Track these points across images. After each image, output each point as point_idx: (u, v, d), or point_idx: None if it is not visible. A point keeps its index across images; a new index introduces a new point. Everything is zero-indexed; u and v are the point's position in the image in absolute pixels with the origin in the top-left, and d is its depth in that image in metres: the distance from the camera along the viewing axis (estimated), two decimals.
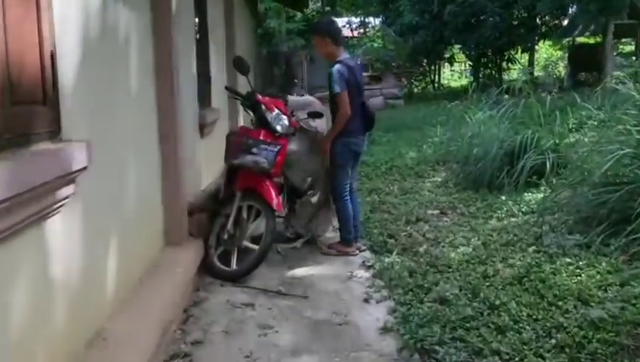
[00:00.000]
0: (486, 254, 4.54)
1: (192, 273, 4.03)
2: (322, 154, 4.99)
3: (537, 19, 19.54)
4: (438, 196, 6.73)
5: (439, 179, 7.62)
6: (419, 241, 5.17)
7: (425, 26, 20.00)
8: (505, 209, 5.81)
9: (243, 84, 8.74)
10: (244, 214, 4.52)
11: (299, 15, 24.91)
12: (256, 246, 4.40)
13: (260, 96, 4.65)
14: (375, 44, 27.05)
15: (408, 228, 5.67)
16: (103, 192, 2.90)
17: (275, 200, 4.41)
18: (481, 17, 18.42)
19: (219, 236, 4.51)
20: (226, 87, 4.86)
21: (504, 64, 21.26)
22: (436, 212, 6.16)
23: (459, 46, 22.43)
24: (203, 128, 5.79)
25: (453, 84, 27.46)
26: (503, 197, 6.14)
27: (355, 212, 5.22)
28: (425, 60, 23.56)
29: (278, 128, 4.65)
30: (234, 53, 8.43)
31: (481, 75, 21.99)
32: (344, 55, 5.09)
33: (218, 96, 6.73)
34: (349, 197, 5.13)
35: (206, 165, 5.81)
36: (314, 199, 5.27)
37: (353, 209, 5.18)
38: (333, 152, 5.00)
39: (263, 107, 4.61)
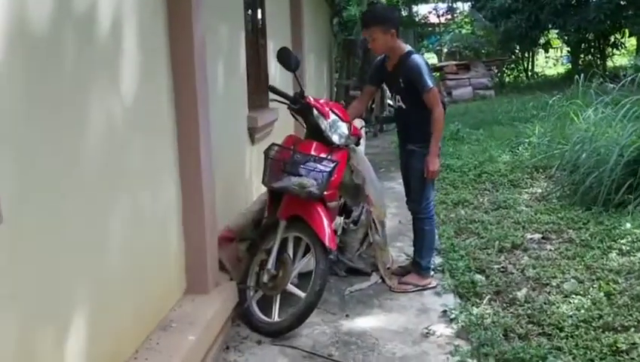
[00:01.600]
0: (612, 313, 3.35)
1: (214, 333, 3.10)
2: (431, 177, 4.00)
3: None
4: (538, 214, 5.51)
5: (539, 191, 6.36)
6: (516, 282, 4.04)
7: (519, 9, 18.26)
8: (630, 238, 4.53)
9: (314, 85, 7.79)
10: (290, 249, 3.56)
11: (383, 2, 23.77)
12: (302, 294, 3.43)
13: (311, 99, 3.66)
14: (463, 31, 25.46)
15: (502, 258, 4.54)
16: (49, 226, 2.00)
17: (328, 234, 3.41)
18: None
19: (258, 276, 3.58)
20: (270, 87, 3.89)
21: (608, 50, 19.17)
22: (537, 236, 4.97)
23: (556, 31, 20.49)
24: (253, 133, 4.90)
25: (549, 72, 25.37)
26: (627, 221, 4.85)
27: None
28: (517, 47, 21.75)
29: (335, 139, 3.66)
30: (301, 48, 7.51)
31: (580, 62, 20.01)
32: (408, 46, 4.04)
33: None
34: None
35: (258, 176, 4.93)
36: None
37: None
38: (421, 159, 3.98)
39: (315, 112, 3.62)
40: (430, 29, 28.90)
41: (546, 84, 20.09)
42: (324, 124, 3.60)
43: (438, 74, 19.16)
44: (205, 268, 3.25)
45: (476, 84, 18.32)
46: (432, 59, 27.36)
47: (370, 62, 12.58)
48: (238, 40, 4.61)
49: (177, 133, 3.11)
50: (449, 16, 29.33)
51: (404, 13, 27.02)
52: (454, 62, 19.22)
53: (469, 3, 25.12)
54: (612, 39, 18.78)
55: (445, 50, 23.81)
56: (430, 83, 3.81)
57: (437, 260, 4.54)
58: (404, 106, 4.04)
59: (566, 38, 19.01)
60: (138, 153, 2.67)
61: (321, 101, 3.74)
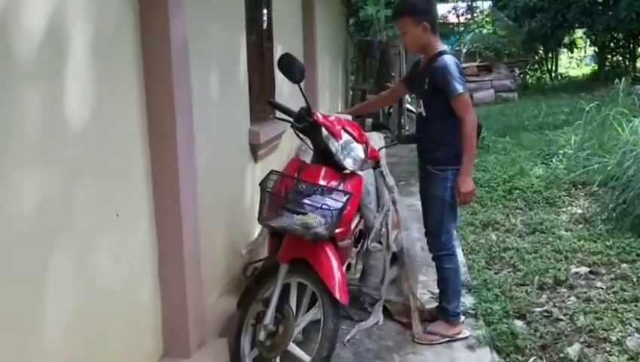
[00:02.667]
0: None
1: None
2: (463, 202, 3.36)
3: None
4: (581, 241, 4.81)
5: (579, 211, 5.65)
6: (566, 333, 3.37)
7: (544, 8, 17.46)
8: None
9: (328, 88, 7.18)
10: (293, 299, 2.91)
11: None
12: (307, 359, 2.78)
13: (319, 115, 3.01)
14: (484, 31, 24.67)
15: (544, 298, 3.88)
16: None
17: (338, 281, 2.76)
18: None
19: (254, 331, 2.94)
20: (270, 102, 3.22)
21: (639, 50, 18.30)
22: (583, 270, 4.27)
23: (582, 30, 19.66)
24: (256, 149, 4.28)
25: (573, 73, 24.49)
26: None
27: None
28: (541, 47, 20.93)
29: (348, 163, 3.01)
30: (313, 50, 6.88)
31: (607, 63, 19.16)
32: (443, 46, 3.42)
33: (288, 104, 5.21)
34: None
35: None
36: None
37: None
38: (442, 188, 3.35)
39: (325, 131, 2.97)
40: (450, 27, 28.11)
41: (570, 86, 19.27)
42: (334, 146, 2.96)
43: None
44: (186, 326, 2.62)
45: (498, 86, 17.56)
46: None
47: (388, 65, 11.99)
48: (238, 42, 3.99)
49: (151, 164, 2.49)
50: (469, 16, 28.58)
51: None
52: (475, 64, 18.48)
53: (490, 2, 24.35)
54: None
55: (464, 50, 23.09)
56: (460, 87, 3.16)
57: (468, 300, 3.89)
58: (424, 113, 3.40)
59: (593, 37, 18.11)
60: (94, 191, 2.05)
61: (332, 118, 3.09)
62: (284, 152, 5.02)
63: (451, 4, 28.85)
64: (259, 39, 4.72)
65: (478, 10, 27.02)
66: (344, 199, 2.72)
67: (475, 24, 25.74)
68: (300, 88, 2.94)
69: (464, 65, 18.94)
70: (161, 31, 2.41)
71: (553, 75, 22.26)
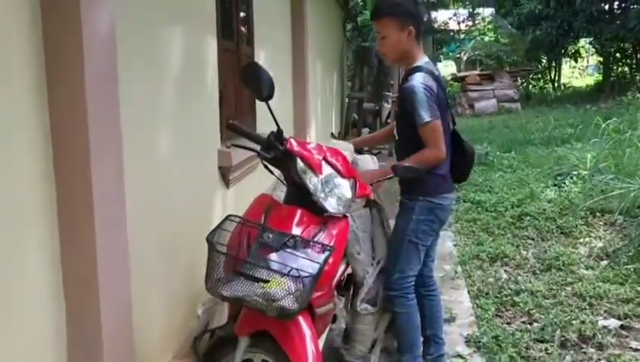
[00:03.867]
0: None
1: None
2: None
3: None
4: (606, 283, 4.14)
5: (599, 244, 4.97)
6: None
7: (550, 15, 16.80)
8: None
9: (321, 97, 6.63)
10: None
11: None
12: None
13: (294, 143, 2.33)
14: (486, 38, 24.05)
15: (567, 360, 3.21)
16: None
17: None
18: (625, 4, 15.09)
19: None
20: (229, 125, 2.51)
21: None
22: (613, 323, 3.60)
23: (588, 39, 19.03)
24: (227, 173, 3.61)
25: (576, 84, 23.86)
26: None
27: (434, 319, 3.08)
28: (545, 56, 20.30)
29: (331, 205, 2.33)
30: (303, 59, 6.22)
31: (612, 73, 18.52)
32: (424, 58, 2.84)
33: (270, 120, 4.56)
34: (415, 299, 2.91)
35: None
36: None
37: (432, 313, 3.07)
38: (406, 220, 2.82)
39: (300, 163, 2.28)
40: (451, 34, 27.50)
41: (575, 97, 18.65)
42: (313, 183, 2.28)
43: (458, 84, 17.87)
44: None
45: (501, 95, 16.94)
46: (451, 67, 26.01)
47: (387, 73, 11.33)
48: (206, 47, 3.32)
49: (56, 213, 1.82)
50: (470, 23, 27.96)
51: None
52: (477, 72, 17.85)
53: (493, 9, 23.72)
54: None
55: (465, 58, 22.47)
56: (425, 115, 2.64)
57: (477, 361, 3.22)
58: (396, 136, 2.95)
59: (599, 47, 17.45)
60: None
61: (310, 146, 2.41)
62: (261, 176, 4.35)
63: (452, 11, 28.33)
64: (235, 44, 4.06)
65: (479, 17, 26.47)
66: (322, 258, 2.04)
67: (477, 31, 25.18)
68: (269, 106, 2.27)
69: (466, 73, 18.34)
70: (67, 19, 1.73)
71: (556, 85, 21.64)
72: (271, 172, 2.48)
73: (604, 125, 6.80)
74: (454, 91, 19.89)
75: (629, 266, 4.38)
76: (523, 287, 4.20)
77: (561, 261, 4.61)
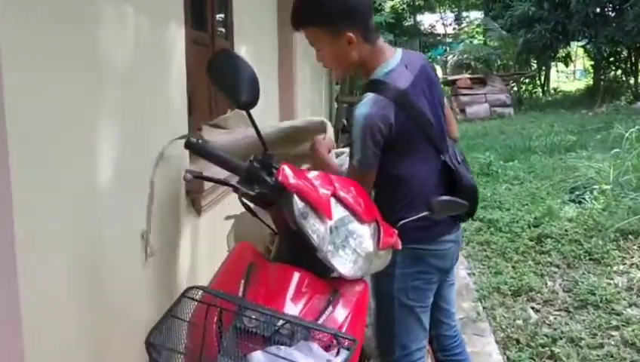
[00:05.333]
0: None
1: None
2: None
3: None
4: None
5: (639, 275, 4.27)
6: None
7: (543, 17, 16.19)
8: None
9: (310, 102, 5.95)
10: None
11: (388, 6, 21.77)
12: None
13: (287, 172, 1.55)
14: (475, 41, 23.53)
15: None
16: None
17: None
18: (622, 6, 14.52)
19: None
20: (187, 143, 1.70)
21: None
22: None
23: (581, 42, 18.49)
24: (197, 198, 2.82)
25: (566, 88, 23.40)
26: None
27: None
28: (535, 60, 19.74)
29: (344, 264, 1.56)
30: (291, 57, 5.47)
31: (603, 78, 17.98)
32: (388, 63, 2.01)
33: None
34: None
35: (209, 263, 2.89)
36: None
37: None
38: (387, 277, 2.02)
39: (299, 204, 1.51)
40: (438, 37, 26.95)
41: (566, 101, 18.09)
42: (318, 232, 1.52)
43: (448, 88, 17.25)
44: None
45: (493, 100, 16.30)
46: (437, 71, 25.31)
47: None
48: (170, 40, 2.54)
49: None
50: (456, 27, 27.44)
51: (408, 22, 25.15)
52: (468, 76, 17.23)
53: (482, 11, 23.17)
54: None
55: (452, 61, 21.88)
56: (356, 156, 1.93)
57: None
58: None
59: (593, 50, 16.87)
60: None
61: (312, 175, 1.64)
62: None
63: (439, 15, 27.82)
64: (210, 36, 3.29)
65: (467, 20, 25.97)
66: (340, 359, 1.27)
67: (466, 34, 24.67)
68: (251, 118, 1.51)
69: (457, 76, 17.71)
70: None
71: (545, 89, 21.12)
72: (254, 214, 1.71)
73: (627, 134, 6.09)
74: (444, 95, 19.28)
75: None
76: (560, 332, 3.49)
77: (598, 296, 3.90)
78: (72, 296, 1.59)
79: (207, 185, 2.80)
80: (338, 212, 1.57)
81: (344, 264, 1.57)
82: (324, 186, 1.60)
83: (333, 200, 1.58)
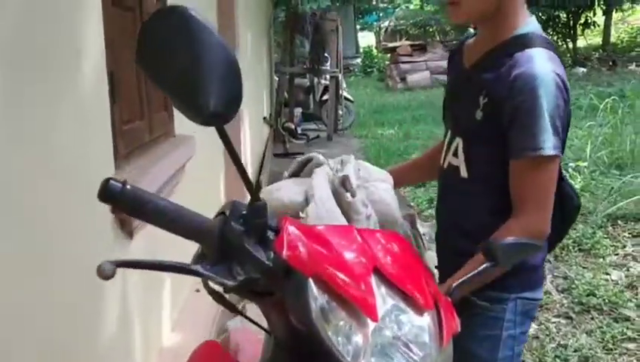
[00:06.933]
0: None
1: None
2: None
3: None
4: None
5: (639, 268, 3.81)
6: None
7: None
8: None
9: (253, 74, 5.23)
10: None
11: None
12: None
13: (293, 231, 0.85)
14: (411, 6, 23.07)
15: None
16: None
17: None
18: None
19: None
20: (105, 190, 0.95)
21: (579, 29, 17.03)
22: None
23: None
24: (128, 219, 2.06)
25: None
26: None
27: None
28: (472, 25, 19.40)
29: None
30: (233, 28, 4.69)
31: None
32: (532, 21, 1.43)
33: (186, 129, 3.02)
34: None
35: (142, 302, 2.18)
36: None
37: None
38: (493, 334, 1.45)
39: (317, 295, 0.83)
40: (373, 4, 26.28)
41: None
42: (349, 343, 0.84)
43: (387, 56, 16.74)
44: None
45: (434, 67, 15.88)
46: (369, 38, 24.74)
47: (324, 43, 9.75)
48: (82, 10, 1.75)
49: None
50: None
51: None
52: (408, 43, 16.73)
53: None
54: (585, 18, 16.63)
55: (388, 28, 21.36)
56: (548, 142, 1.30)
57: None
58: (463, 173, 1.50)
59: (536, 14, 16.62)
60: None
61: (329, 232, 0.93)
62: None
63: None
64: (137, 2, 2.48)
65: None
66: None
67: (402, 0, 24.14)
68: (225, 138, 0.78)
69: (396, 43, 17.20)
70: None
71: None
72: (233, 309, 1.00)
73: (601, 106, 5.64)
74: (382, 63, 18.75)
75: None
76: (568, 345, 2.97)
77: (599, 297, 3.42)
78: None
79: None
80: (386, 302, 0.89)
81: None
82: (356, 252, 0.91)
83: (375, 282, 0.89)
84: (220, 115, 0.77)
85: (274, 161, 7.10)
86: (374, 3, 26.66)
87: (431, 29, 19.53)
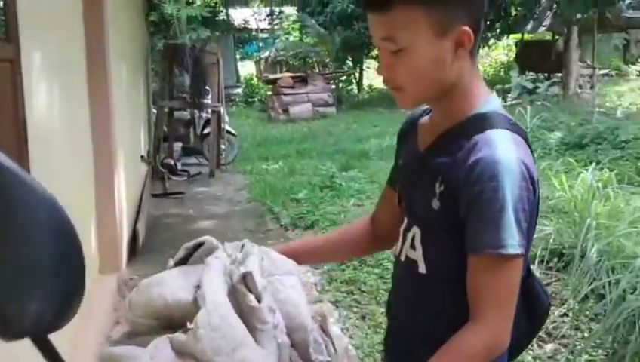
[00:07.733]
0: None
1: None
2: None
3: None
4: None
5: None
6: None
7: (363, 16, 16.14)
8: None
9: (129, 108, 4.78)
10: None
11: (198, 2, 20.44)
12: None
13: None
14: (291, 38, 23.20)
15: None
16: None
17: None
18: None
19: None
20: None
21: None
22: None
23: None
24: None
25: (377, 85, 23.99)
26: None
27: None
28: (350, 58, 19.84)
29: None
30: (104, 59, 4.27)
31: None
32: (492, 96, 1.25)
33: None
34: None
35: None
36: None
37: None
38: None
39: None
40: (253, 33, 26.18)
41: (384, 100, 18.31)
42: None
43: (269, 87, 16.64)
44: None
45: (315, 99, 15.94)
46: (249, 68, 24.63)
47: (205, 77, 9.37)
48: None
49: None
50: (270, 22, 26.90)
51: (221, 17, 24.01)
52: (290, 74, 16.69)
53: (296, 8, 22.84)
54: None
55: (268, 58, 21.35)
56: (512, 239, 1.07)
57: None
58: (422, 268, 1.25)
59: None
60: None
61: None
62: None
63: (252, 9, 27.05)
64: None
65: (283, 16, 25.50)
66: None
67: (282, 30, 24.21)
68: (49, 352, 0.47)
69: (277, 75, 17.14)
70: None
71: (360, 86, 21.38)
72: None
73: None
74: (263, 93, 18.63)
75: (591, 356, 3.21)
76: None
77: None
78: None
79: None
80: None
81: None
82: None
83: None
84: (45, 323, 0.46)
85: (152, 202, 6.60)
86: (254, 33, 26.65)
87: (310, 61, 19.70)
